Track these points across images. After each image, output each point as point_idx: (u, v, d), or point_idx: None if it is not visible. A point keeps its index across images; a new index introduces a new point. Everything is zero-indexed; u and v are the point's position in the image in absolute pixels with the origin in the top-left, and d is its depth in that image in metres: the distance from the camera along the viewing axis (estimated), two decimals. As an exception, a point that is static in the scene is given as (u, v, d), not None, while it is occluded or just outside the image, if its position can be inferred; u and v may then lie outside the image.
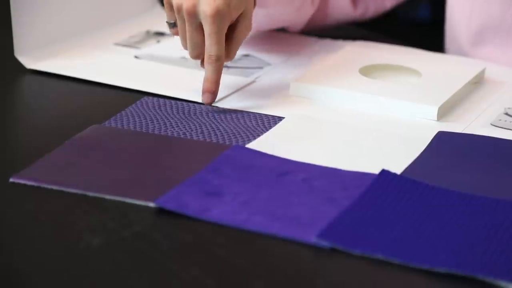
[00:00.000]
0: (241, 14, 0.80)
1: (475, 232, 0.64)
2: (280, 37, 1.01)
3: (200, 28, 0.80)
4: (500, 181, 0.72)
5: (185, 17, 0.79)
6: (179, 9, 0.79)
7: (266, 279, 0.60)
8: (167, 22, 0.83)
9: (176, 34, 0.83)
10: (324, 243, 0.62)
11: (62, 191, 0.69)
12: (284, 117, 0.82)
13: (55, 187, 0.69)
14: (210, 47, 0.78)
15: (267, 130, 0.80)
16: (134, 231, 0.64)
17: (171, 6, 0.81)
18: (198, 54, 0.81)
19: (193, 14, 0.78)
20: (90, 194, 0.68)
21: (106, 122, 0.81)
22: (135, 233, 0.64)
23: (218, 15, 0.77)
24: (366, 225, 0.64)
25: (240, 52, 0.97)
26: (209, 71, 0.80)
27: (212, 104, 0.85)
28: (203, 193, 0.68)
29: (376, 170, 0.71)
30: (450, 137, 0.78)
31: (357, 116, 0.83)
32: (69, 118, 0.84)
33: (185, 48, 0.83)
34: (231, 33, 0.81)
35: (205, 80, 0.81)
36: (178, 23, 0.81)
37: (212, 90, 0.80)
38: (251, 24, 0.82)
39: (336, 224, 0.64)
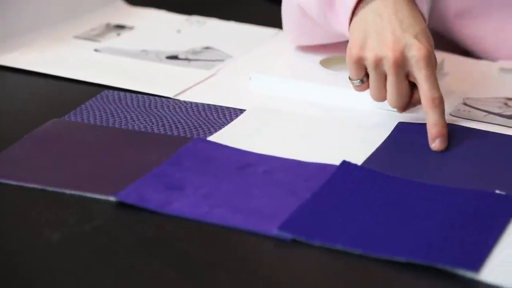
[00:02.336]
0: None
1: (434, 221, 0.64)
2: (241, 29, 1.01)
3: (406, 76, 0.76)
4: (458, 169, 0.73)
5: (391, 68, 0.74)
6: (378, 63, 0.75)
7: (228, 272, 0.60)
8: (352, 80, 0.78)
9: (363, 90, 0.79)
10: (285, 235, 0.63)
11: (21, 186, 0.68)
12: (245, 110, 0.82)
13: (14, 183, 0.68)
14: (431, 91, 0.74)
15: (228, 122, 0.80)
16: (94, 225, 0.64)
17: (359, 63, 0.76)
18: (405, 103, 0.77)
19: (402, 64, 0.74)
20: (50, 189, 0.68)
21: (66, 116, 0.80)
22: (95, 228, 0.64)
23: (431, 58, 0.74)
24: (326, 217, 0.65)
25: (201, 44, 0.97)
26: (434, 115, 0.75)
27: (173, 97, 0.85)
28: (164, 186, 0.68)
29: (337, 161, 0.72)
30: (410, 127, 0.79)
31: (318, 108, 0.83)
32: (29, 113, 0.83)
33: (380, 100, 0.78)
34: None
35: (432, 125, 0.75)
36: (375, 78, 0.76)
37: (443, 134, 0.75)
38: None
39: (296, 216, 0.65)
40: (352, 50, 0.76)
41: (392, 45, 0.74)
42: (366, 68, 0.77)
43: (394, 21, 0.76)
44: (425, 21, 0.78)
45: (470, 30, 0.98)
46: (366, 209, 0.66)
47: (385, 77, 0.76)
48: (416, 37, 0.75)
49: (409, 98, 0.78)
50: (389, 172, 0.70)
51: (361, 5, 0.78)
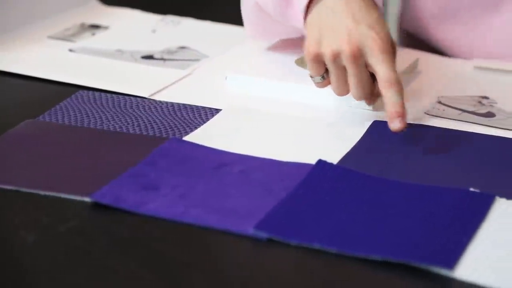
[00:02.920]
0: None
1: (409, 219, 0.65)
2: (216, 29, 1.01)
3: (366, 67, 0.76)
4: (433, 168, 0.73)
5: (349, 61, 0.75)
6: (335, 58, 0.75)
7: (204, 272, 0.60)
8: (312, 77, 0.79)
9: (324, 86, 0.79)
10: (261, 234, 0.63)
11: (-5, 188, 0.68)
12: (221, 109, 0.82)
13: (-12, 184, 0.68)
14: (387, 72, 0.74)
15: (204, 122, 0.80)
16: (69, 226, 0.64)
17: (318, 60, 0.77)
18: (369, 91, 0.78)
19: (360, 55, 0.75)
20: (24, 190, 0.67)
21: (41, 117, 0.79)
22: (70, 229, 0.63)
23: (386, 45, 0.75)
24: (303, 215, 0.65)
25: (176, 44, 0.97)
26: (393, 95, 0.74)
27: (149, 97, 0.84)
28: (139, 186, 0.68)
29: (312, 160, 0.72)
30: (385, 125, 0.79)
31: (294, 107, 0.83)
32: (2, 113, 0.83)
33: (342, 94, 0.78)
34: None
35: (390, 105, 0.74)
36: (335, 73, 0.77)
37: (401, 113, 0.74)
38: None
39: (273, 215, 0.65)
40: (310, 48, 0.77)
41: (347, 39, 0.75)
42: (325, 64, 0.78)
43: (347, 14, 0.76)
44: (378, 9, 0.78)
45: (443, 32, 0.98)
46: (342, 208, 0.66)
47: (345, 71, 0.77)
48: (370, 27, 0.75)
49: (371, 88, 0.78)
50: (365, 171, 0.71)
51: (314, 1, 0.79)
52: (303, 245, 0.62)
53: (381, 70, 0.75)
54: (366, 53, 0.75)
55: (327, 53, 0.76)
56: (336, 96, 0.82)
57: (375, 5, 0.78)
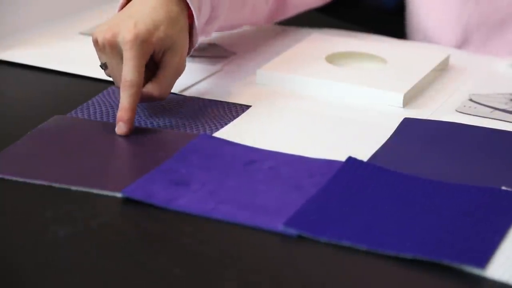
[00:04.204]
0: (170, 50, 0.76)
1: (440, 218, 0.64)
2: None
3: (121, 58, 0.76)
4: (465, 167, 0.73)
5: (108, 50, 0.75)
6: (104, 46, 0.76)
7: (234, 268, 0.60)
8: (100, 66, 0.78)
9: (110, 75, 0.78)
10: (291, 231, 0.63)
11: (26, 183, 0.68)
12: (251, 106, 0.82)
13: (20, 179, 0.69)
14: (126, 72, 0.74)
15: (234, 118, 0.80)
16: (101, 221, 0.64)
17: (96, 46, 0.77)
18: (125, 86, 0.76)
19: (115, 45, 0.75)
20: (56, 185, 0.68)
21: (73, 112, 0.80)
22: (102, 224, 0.64)
23: (137, 40, 0.74)
24: (332, 213, 0.65)
25: (206, 40, 0.97)
26: (123, 97, 0.74)
27: (179, 93, 0.85)
28: (170, 182, 0.68)
29: (342, 158, 0.72)
30: (416, 123, 0.79)
31: (323, 104, 0.83)
32: (35, 109, 0.83)
33: (117, 84, 0.78)
34: (160, 70, 0.77)
35: (119, 108, 0.75)
36: (107, 61, 0.77)
37: (125, 118, 0.74)
38: (184, 63, 0.78)
39: (302, 212, 0.65)
40: (93, 34, 0.78)
41: (109, 27, 0.76)
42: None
43: (131, 9, 0.77)
44: (182, 15, 0.77)
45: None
46: (372, 206, 0.66)
47: (114, 60, 0.76)
48: (134, 22, 0.75)
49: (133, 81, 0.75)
50: (395, 169, 0.70)
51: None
52: (332, 242, 0.62)
53: (124, 69, 0.75)
54: (120, 46, 0.75)
55: (98, 39, 0.76)
56: (367, 94, 0.82)
57: (179, 10, 0.77)
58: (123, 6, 0.81)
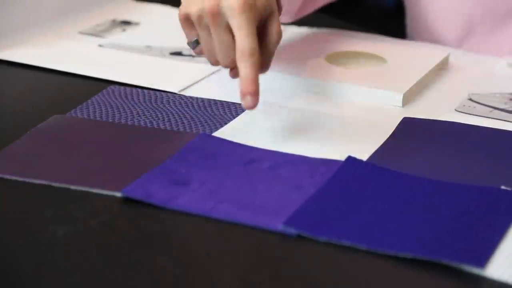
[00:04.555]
0: (271, 16, 0.72)
1: (440, 217, 0.64)
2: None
3: (228, 29, 0.71)
4: (463, 166, 0.73)
5: (209, 20, 0.70)
6: (201, 18, 0.71)
7: (234, 268, 0.60)
8: (188, 43, 0.74)
9: (201, 52, 0.75)
10: (291, 231, 0.63)
11: (25, 182, 0.68)
12: (250, 105, 0.82)
13: (19, 178, 0.69)
14: (242, 41, 0.68)
15: (234, 118, 0.80)
16: (100, 221, 0.64)
17: (188, 22, 0.73)
18: (233, 59, 0.72)
19: (218, 13, 0.69)
20: (55, 184, 0.68)
21: (72, 112, 0.80)
22: (101, 223, 0.64)
23: (245, 5, 0.69)
24: (332, 212, 0.65)
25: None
26: (245, 68, 0.68)
27: (178, 92, 0.85)
28: (169, 181, 0.68)
29: (342, 157, 0.72)
30: (415, 123, 0.79)
31: (323, 103, 0.83)
32: (35, 108, 0.83)
33: (214, 63, 0.73)
34: (261, 40, 0.72)
35: (242, 80, 0.69)
36: (202, 35, 0.72)
37: (252, 90, 0.68)
38: (281, 30, 0.74)
39: (302, 212, 0.65)
40: (180, 10, 0.74)
41: None
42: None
43: None
44: None
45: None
46: (372, 205, 0.66)
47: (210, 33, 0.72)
48: None
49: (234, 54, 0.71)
50: (394, 168, 0.70)
51: None
52: (332, 241, 0.62)
53: (238, 37, 0.69)
54: (225, 13, 0.70)
55: (192, 12, 0.72)
56: (367, 93, 0.82)
57: None
58: None
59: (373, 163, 0.71)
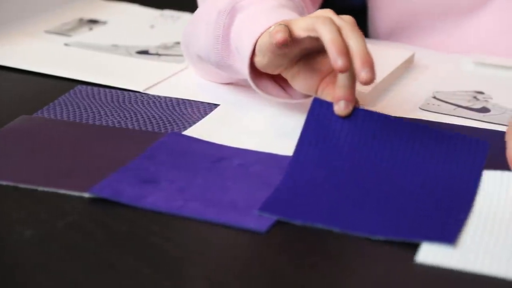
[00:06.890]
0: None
1: (409, 197, 0.65)
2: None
3: None
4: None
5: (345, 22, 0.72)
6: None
7: (203, 266, 0.60)
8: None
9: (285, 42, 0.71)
10: (267, 216, 0.63)
11: (-7, 183, 0.68)
12: (218, 104, 0.82)
13: (-14, 179, 0.68)
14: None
15: (203, 117, 0.80)
16: (67, 221, 0.64)
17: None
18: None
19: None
20: (22, 185, 0.67)
21: (39, 112, 0.80)
22: (68, 224, 0.63)
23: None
24: (303, 195, 0.65)
25: (174, 39, 0.97)
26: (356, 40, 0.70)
27: (143, 91, 0.84)
28: (138, 180, 0.68)
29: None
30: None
31: (288, 103, 0.83)
32: (1, 108, 0.83)
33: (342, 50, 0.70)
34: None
35: (360, 53, 0.69)
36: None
37: (371, 62, 0.68)
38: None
39: (276, 197, 0.65)
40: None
41: (318, 13, 0.72)
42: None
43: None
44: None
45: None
46: (340, 186, 0.66)
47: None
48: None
49: None
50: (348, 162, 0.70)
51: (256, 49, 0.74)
52: (307, 225, 0.62)
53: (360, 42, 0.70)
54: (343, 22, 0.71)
55: (325, 14, 0.72)
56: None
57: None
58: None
59: (325, 146, 0.70)
